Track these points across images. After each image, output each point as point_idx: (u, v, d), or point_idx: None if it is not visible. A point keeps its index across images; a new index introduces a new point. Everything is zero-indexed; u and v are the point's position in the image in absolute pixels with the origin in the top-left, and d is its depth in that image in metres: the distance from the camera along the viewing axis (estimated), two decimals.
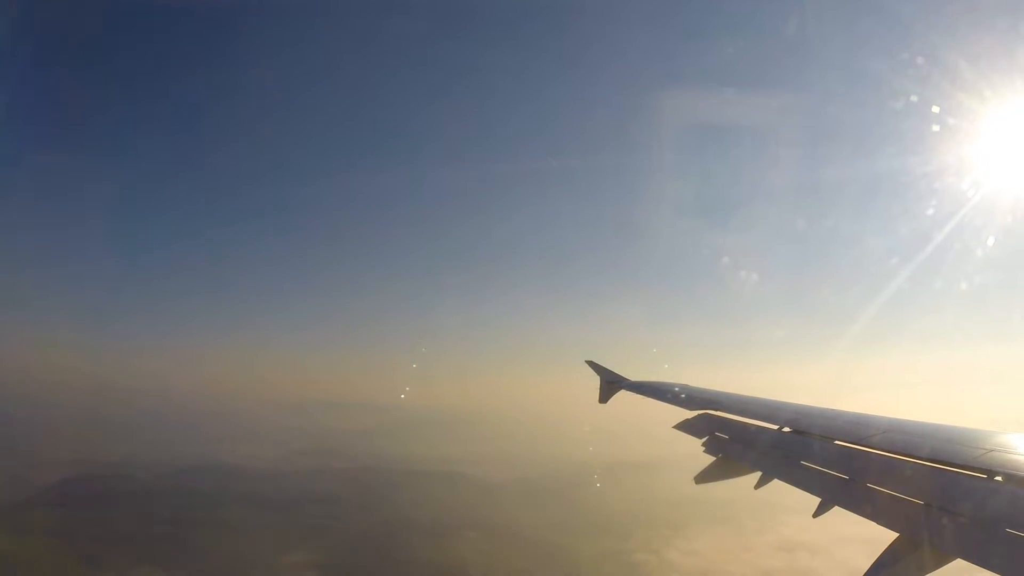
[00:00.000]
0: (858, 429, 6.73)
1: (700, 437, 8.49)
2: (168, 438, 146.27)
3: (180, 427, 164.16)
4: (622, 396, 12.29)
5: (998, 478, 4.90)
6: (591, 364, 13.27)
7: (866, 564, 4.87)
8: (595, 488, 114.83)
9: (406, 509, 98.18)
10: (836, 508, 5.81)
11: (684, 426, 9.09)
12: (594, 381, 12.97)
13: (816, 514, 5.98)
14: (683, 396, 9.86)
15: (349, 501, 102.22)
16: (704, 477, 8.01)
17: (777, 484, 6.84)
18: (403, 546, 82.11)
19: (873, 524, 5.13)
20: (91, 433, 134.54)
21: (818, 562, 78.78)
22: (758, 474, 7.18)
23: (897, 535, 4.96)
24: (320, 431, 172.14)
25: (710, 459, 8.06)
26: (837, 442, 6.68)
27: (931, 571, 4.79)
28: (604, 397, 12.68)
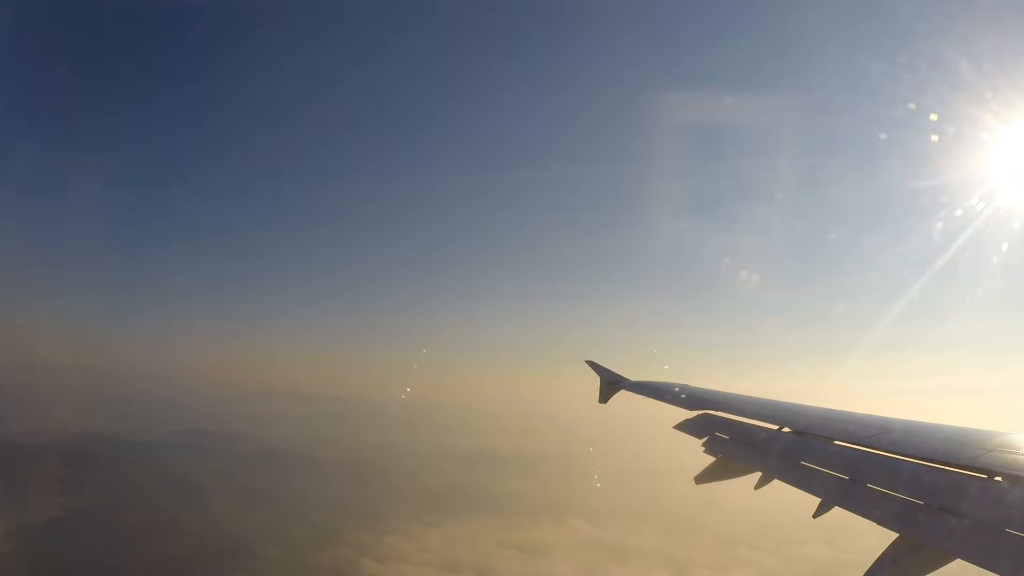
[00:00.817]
0: (858, 429, 6.72)
1: (700, 437, 8.47)
2: (84, 408, 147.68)
3: (104, 400, 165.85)
4: (622, 396, 12.29)
5: (998, 478, 4.90)
6: (591, 364, 13.26)
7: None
8: (429, 476, 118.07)
9: (198, 479, 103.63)
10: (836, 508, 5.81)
11: (684, 426, 9.07)
12: (594, 381, 12.96)
13: (816, 514, 5.97)
14: (683, 396, 9.84)
15: (155, 465, 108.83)
16: (704, 477, 7.99)
17: (777, 484, 6.84)
18: (147, 508, 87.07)
19: (873, 524, 5.13)
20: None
21: (530, 565, 78.93)
22: (758, 474, 7.18)
23: (897, 535, 4.95)
24: (240, 415, 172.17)
25: (710, 459, 8.06)
26: (837, 442, 6.68)
27: (931, 571, 4.78)
28: (604, 397, 12.66)
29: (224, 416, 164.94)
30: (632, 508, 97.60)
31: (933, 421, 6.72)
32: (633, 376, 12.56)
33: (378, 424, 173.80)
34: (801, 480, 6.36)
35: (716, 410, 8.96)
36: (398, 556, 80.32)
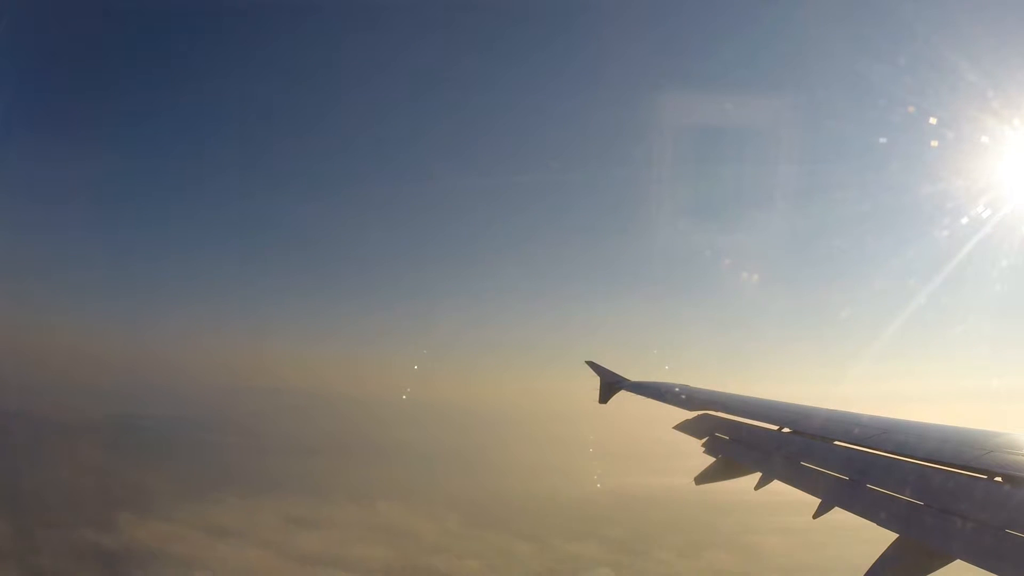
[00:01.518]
0: (858, 429, 6.73)
1: (700, 438, 8.48)
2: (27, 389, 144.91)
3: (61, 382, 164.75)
4: (622, 396, 12.30)
5: (998, 479, 4.90)
6: (591, 365, 13.28)
7: None
8: (296, 462, 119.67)
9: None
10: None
11: (684, 426, 9.08)
12: (594, 381, 12.97)
13: (816, 515, 5.97)
14: (683, 396, 9.85)
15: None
16: (704, 478, 8.00)
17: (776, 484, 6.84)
18: None
19: (873, 524, 5.13)
20: None
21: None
22: (758, 475, 7.18)
23: (897, 536, 4.95)
24: (187, 405, 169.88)
25: (710, 459, 8.06)
26: (837, 443, 6.68)
27: (931, 572, 4.78)
28: (604, 398, 12.68)
29: (171, 402, 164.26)
30: (471, 499, 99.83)
31: (934, 422, 6.72)
32: (633, 377, 12.58)
33: (317, 416, 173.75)
34: (801, 481, 6.36)
35: (716, 411, 8.97)
36: (167, 517, 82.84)
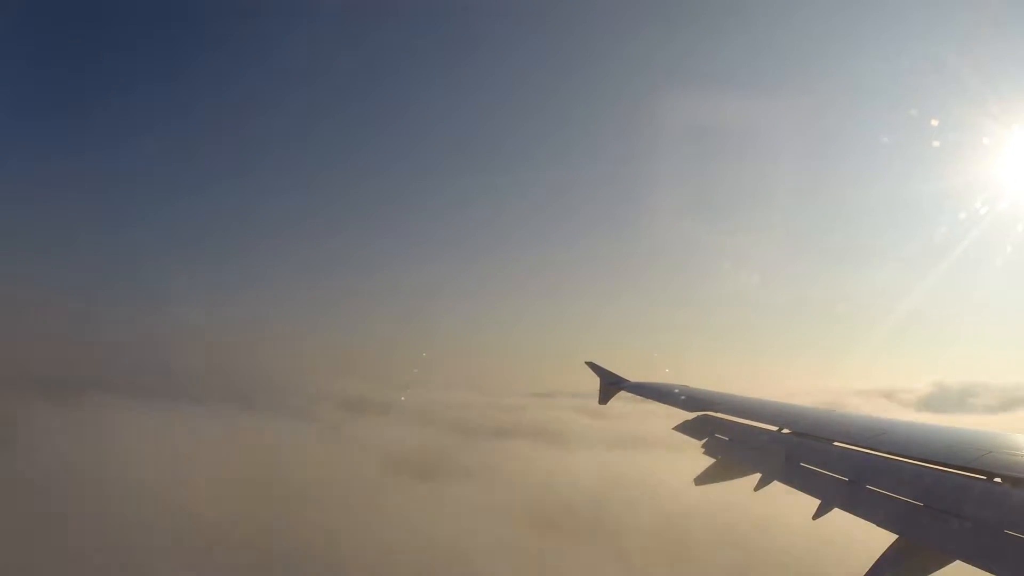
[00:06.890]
0: (858, 431, 6.73)
1: (700, 439, 8.48)
2: None
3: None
4: (622, 396, 12.30)
5: (998, 480, 4.90)
6: (591, 365, 13.28)
7: None
8: None
9: None
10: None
11: (684, 427, 9.08)
12: (594, 382, 12.97)
13: (816, 516, 5.97)
14: (683, 397, 9.85)
15: None
16: (704, 479, 7.99)
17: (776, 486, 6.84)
18: None
19: (872, 525, 5.12)
20: None
21: None
22: (758, 475, 7.18)
23: (897, 536, 4.95)
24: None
25: (710, 460, 8.06)
26: (837, 444, 6.68)
27: (930, 573, 4.78)
28: (604, 398, 12.68)
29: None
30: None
31: (933, 423, 6.73)
32: (633, 378, 12.58)
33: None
34: (801, 481, 6.36)
35: (716, 411, 8.97)
36: None
